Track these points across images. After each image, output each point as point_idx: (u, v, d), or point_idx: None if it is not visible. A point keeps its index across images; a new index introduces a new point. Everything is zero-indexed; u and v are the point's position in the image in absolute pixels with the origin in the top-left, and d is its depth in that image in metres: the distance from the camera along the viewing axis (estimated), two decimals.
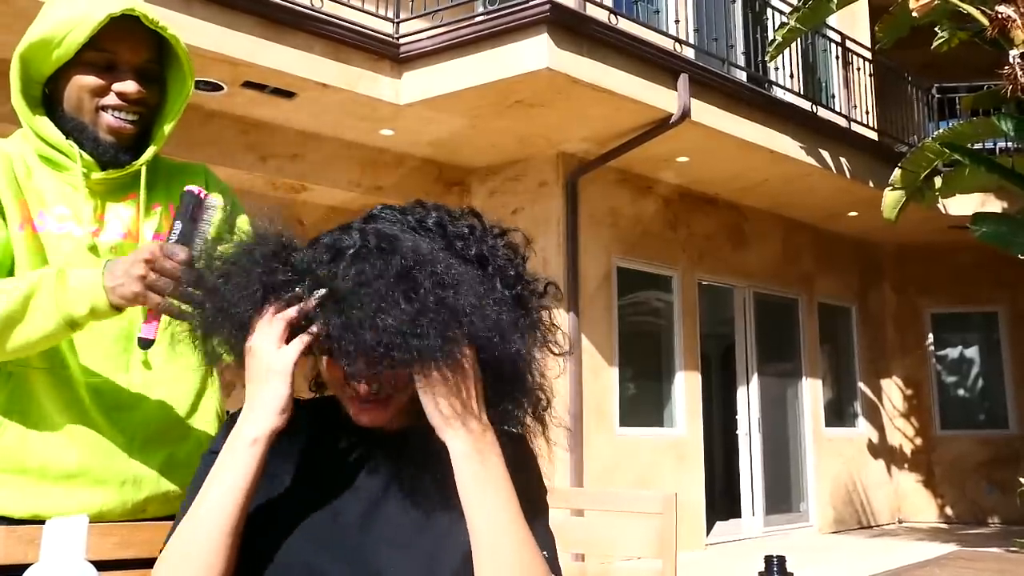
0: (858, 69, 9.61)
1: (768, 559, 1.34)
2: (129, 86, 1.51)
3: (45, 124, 1.53)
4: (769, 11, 8.86)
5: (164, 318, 1.37)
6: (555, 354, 1.22)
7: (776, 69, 8.72)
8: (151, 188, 1.61)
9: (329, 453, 1.21)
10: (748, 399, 9.43)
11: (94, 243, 1.53)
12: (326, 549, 1.12)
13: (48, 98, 1.55)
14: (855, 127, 9.05)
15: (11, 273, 1.48)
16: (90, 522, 1.43)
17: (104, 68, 1.51)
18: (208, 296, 1.14)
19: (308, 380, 1.32)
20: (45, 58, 1.50)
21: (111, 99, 1.52)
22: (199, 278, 1.18)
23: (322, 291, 1.07)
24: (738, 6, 8.70)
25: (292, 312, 1.09)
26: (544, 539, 1.16)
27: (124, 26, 1.49)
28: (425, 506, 1.17)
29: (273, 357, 1.09)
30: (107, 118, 1.53)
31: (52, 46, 1.48)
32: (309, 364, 1.31)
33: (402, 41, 6.50)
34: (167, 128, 1.61)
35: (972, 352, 11.46)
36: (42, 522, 1.37)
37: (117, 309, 1.36)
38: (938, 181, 8.56)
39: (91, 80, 1.51)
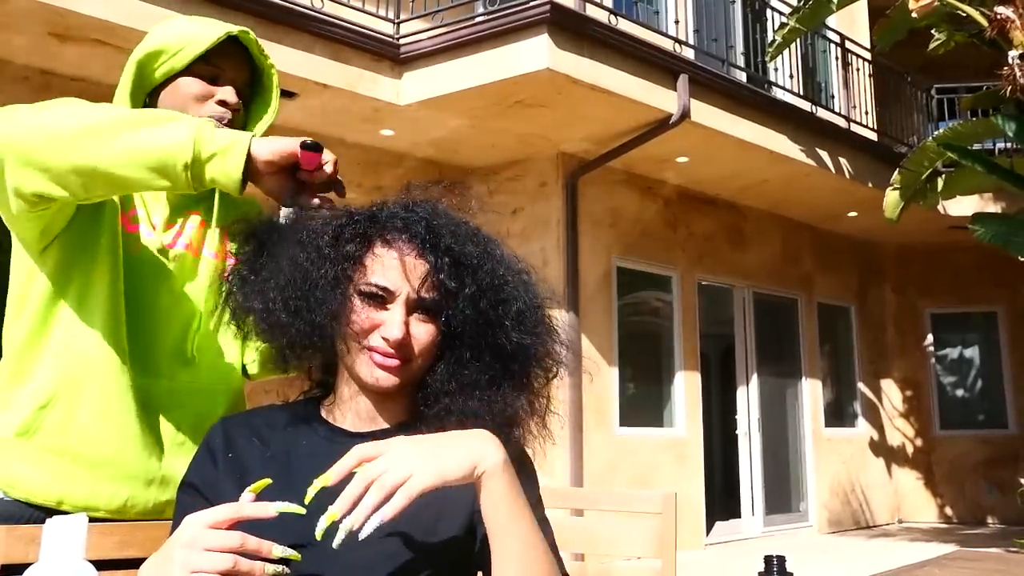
0: (857, 70, 9.61)
1: (768, 559, 1.34)
2: (229, 93, 1.64)
3: None
4: (769, 12, 8.86)
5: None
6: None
7: (776, 70, 8.73)
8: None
9: (309, 454, 1.22)
10: (748, 399, 9.43)
11: (163, 247, 1.60)
12: (303, 550, 1.10)
13: (147, 107, 1.64)
14: (855, 128, 9.05)
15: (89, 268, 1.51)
16: (112, 517, 1.48)
17: (209, 80, 1.63)
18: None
19: (311, 375, 1.33)
20: (154, 70, 1.60)
21: (210, 108, 1.61)
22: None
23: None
24: (738, 7, 8.70)
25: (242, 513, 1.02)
26: (548, 533, 1.17)
27: (232, 49, 1.66)
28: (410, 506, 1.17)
29: (179, 568, 0.98)
30: None
31: (166, 56, 1.59)
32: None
33: (402, 42, 6.50)
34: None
35: (972, 352, 11.47)
36: (65, 512, 1.40)
37: (246, 173, 1.29)
38: (939, 182, 8.56)
39: (198, 85, 1.62)
